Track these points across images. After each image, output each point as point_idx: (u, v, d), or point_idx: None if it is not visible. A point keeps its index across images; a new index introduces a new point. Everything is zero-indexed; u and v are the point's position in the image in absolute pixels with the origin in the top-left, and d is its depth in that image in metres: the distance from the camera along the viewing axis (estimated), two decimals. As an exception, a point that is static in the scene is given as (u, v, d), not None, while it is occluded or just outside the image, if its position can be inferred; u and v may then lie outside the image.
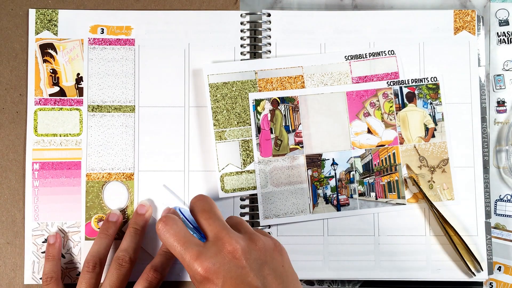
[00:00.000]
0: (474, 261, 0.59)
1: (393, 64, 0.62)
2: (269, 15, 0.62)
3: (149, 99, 0.61)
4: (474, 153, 0.61)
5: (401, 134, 0.61)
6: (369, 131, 0.61)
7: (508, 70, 0.63)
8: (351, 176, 0.61)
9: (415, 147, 0.61)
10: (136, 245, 0.57)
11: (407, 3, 0.64)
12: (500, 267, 0.62)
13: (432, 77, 0.61)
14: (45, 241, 0.60)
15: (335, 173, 0.61)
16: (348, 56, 0.61)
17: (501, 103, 0.63)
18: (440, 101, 0.61)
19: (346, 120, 0.61)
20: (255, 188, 0.60)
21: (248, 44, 0.62)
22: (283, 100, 0.61)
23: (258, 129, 0.60)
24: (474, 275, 0.59)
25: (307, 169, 0.60)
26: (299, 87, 0.61)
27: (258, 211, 0.60)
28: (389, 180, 0.61)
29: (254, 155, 0.60)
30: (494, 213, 0.62)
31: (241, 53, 0.61)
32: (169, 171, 0.61)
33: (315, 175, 0.60)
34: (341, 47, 0.62)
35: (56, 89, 0.61)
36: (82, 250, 0.60)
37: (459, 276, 0.60)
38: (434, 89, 0.61)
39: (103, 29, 0.61)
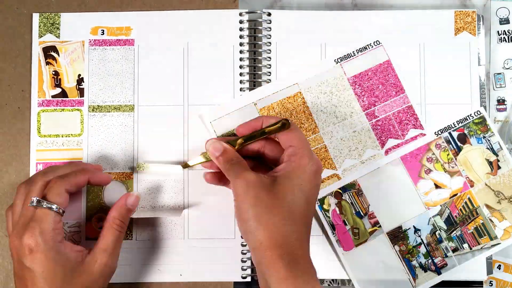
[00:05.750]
0: None
1: (382, 54, 0.61)
2: (269, 14, 0.62)
3: (148, 98, 0.62)
4: (475, 152, 0.62)
5: (468, 177, 0.60)
6: (437, 186, 0.60)
7: (509, 68, 0.62)
8: (438, 236, 0.60)
9: (486, 185, 0.60)
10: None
11: (407, 3, 0.64)
12: (500, 265, 0.61)
13: (475, 112, 0.60)
14: None
15: (421, 239, 0.60)
16: (338, 58, 0.61)
17: (501, 101, 0.62)
18: (492, 132, 0.60)
19: (411, 184, 0.60)
20: None
21: (247, 43, 0.62)
22: (345, 188, 0.60)
23: (332, 226, 0.60)
24: None
25: (393, 246, 0.60)
26: (300, 104, 0.61)
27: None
28: (475, 225, 0.60)
29: (338, 252, 0.60)
30: (495, 212, 0.62)
31: (240, 51, 0.62)
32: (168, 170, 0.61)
33: (403, 248, 0.60)
34: (341, 47, 0.62)
35: (58, 90, 0.62)
36: (83, 250, 0.60)
37: (459, 276, 0.60)
38: (481, 123, 0.60)
39: (103, 30, 0.62)
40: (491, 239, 0.60)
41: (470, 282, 0.60)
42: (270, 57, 0.62)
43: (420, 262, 0.60)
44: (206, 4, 0.62)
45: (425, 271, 0.60)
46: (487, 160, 0.60)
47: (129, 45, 0.62)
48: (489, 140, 0.61)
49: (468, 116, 0.60)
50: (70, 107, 0.62)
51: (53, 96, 0.62)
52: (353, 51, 0.61)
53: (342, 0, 0.65)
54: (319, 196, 0.60)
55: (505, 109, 0.62)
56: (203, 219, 0.61)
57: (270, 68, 0.62)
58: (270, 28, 0.62)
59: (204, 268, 0.61)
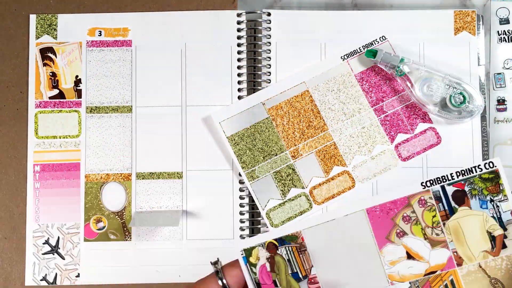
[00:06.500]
0: None
1: (388, 48, 0.61)
2: (269, 14, 0.62)
3: (146, 99, 0.61)
4: (474, 151, 0.60)
5: (456, 252, 0.43)
6: (409, 257, 0.43)
7: (509, 68, 0.62)
8: None
9: (480, 267, 0.43)
10: None
11: (407, 3, 0.64)
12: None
13: (487, 163, 0.43)
14: (46, 242, 0.60)
15: None
16: (344, 55, 0.61)
17: (501, 101, 0.62)
18: (505, 195, 0.43)
19: (374, 248, 0.43)
20: (301, 213, 0.60)
21: (246, 44, 0.62)
22: (282, 240, 0.44)
23: (258, 285, 0.43)
24: None
25: None
26: (308, 102, 0.60)
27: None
28: None
29: None
30: (495, 214, 0.59)
31: (238, 52, 0.61)
32: (166, 172, 0.61)
33: None
34: (341, 46, 0.61)
35: (56, 91, 0.62)
36: (81, 251, 0.60)
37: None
38: (492, 179, 0.43)
39: (101, 31, 0.62)
40: None
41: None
42: (270, 57, 0.62)
43: None
44: (205, 5, 0.62)
45: None
46: (489, 233, 0.43)
47: (127, 46, 0.62)
48: (498, 206, 0.43)
49: (474, 167, 0.43)
50: (67, 108, 0.61)
51: (50, 98, 0.61)
52: (359, 48, 0.61)
53: (342, 0, 0.64)
54: (245, 246, 0.44)
55: (505, 109, 0.62)
56: (202, 220, 0.60)
57: (270, 68, 0.61)
58: (270, 28, 0.62)
59: (203, 269, 0.60)
